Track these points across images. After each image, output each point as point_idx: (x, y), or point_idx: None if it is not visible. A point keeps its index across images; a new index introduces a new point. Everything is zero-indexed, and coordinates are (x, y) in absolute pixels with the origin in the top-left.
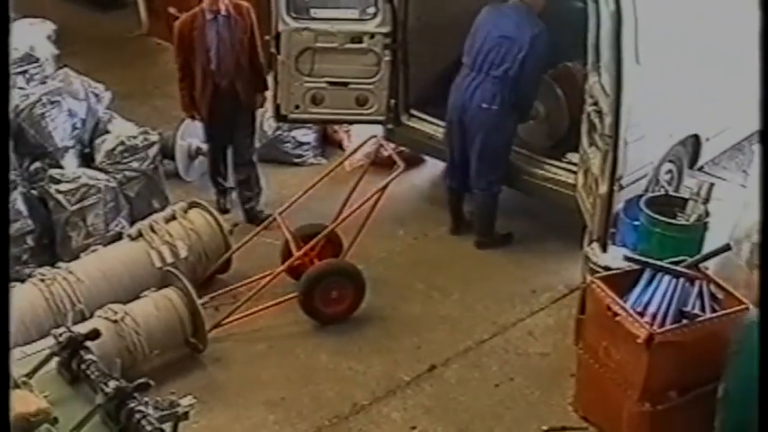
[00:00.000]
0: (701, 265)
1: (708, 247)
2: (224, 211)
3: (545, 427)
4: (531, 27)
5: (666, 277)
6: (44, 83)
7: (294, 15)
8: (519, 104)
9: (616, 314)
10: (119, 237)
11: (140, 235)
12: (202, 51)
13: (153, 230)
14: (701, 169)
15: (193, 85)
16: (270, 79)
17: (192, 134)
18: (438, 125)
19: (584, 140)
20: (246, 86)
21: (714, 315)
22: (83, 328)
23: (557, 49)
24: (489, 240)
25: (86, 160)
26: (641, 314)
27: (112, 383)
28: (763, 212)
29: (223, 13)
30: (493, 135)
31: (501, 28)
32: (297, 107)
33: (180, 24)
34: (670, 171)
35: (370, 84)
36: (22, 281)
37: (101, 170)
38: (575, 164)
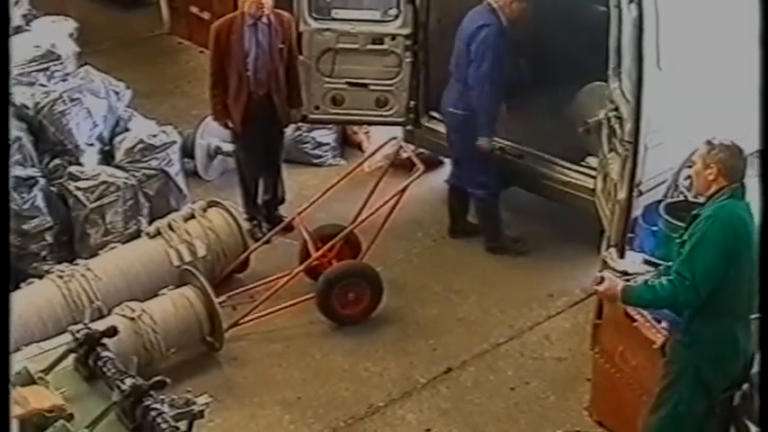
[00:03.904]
0: None
1: None
2: (257, 239)
3: None
4: (475, 22)
5: None
6: (65, 80)
7: (316, 16)
8: (477, 110)
9: (633, 320)
10: (137, 235)
11: (159, 233)
12: (239, 57)
13: (171, 229)
14: None
15: (227, 91)
16: None
17: (211, 133)
18: None
19: (605, 146)
20: (284, 101)
21: None
22: (100, 326)
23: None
24: (498, 245)
25: (106, 158)
26: (658, 320)
27: (129, 381)
28: (764, 214)
29: (264, 20)
30: (464, 138)
31: (461, 30)
32: (317, 108)
33: (217, 27)
34: (689, 177)
35: (390, 85)
36: (41, 277)
37: (120, 168)
38: (593, 168)
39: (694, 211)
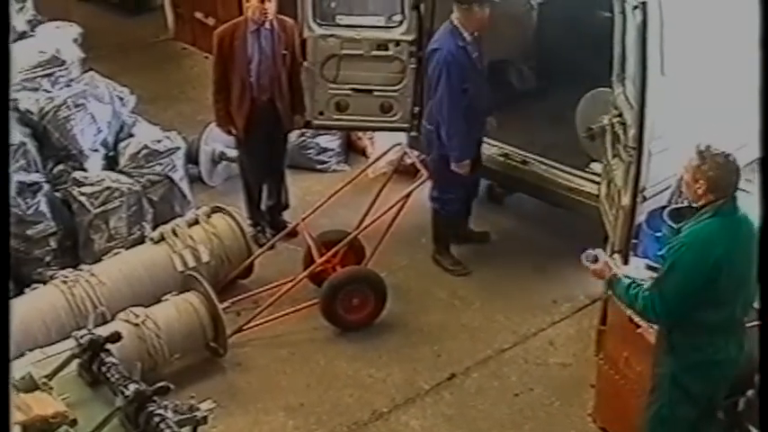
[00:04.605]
0: None
1: None
2: (261, 244)
3: None
4: (432, 44)
5: None
6: (69, 86)
7: (320, 22)
8: (443, 136)
9: (638, 325)
10: (141, 240)
11: (163, 239)
12: (243, 63)
13: (175, 234)
14: None
15: (230, 98)
16: None
17: (216, 139)
18: None
19: (608, 152)
20: (287, 107)
21: None
22: (104, 331)
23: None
24: (439, 258)
25: (110, 164)
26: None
27: (132, 386)
28: (764, 222)
29: (267, 26)
30: (431, 153)
31: None
32: (321, 113)
33: (220, 33)
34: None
35: (394, 91)
36: (45, 282)
37: (124, 174)
38: (597, 174)
39: (680, 224)
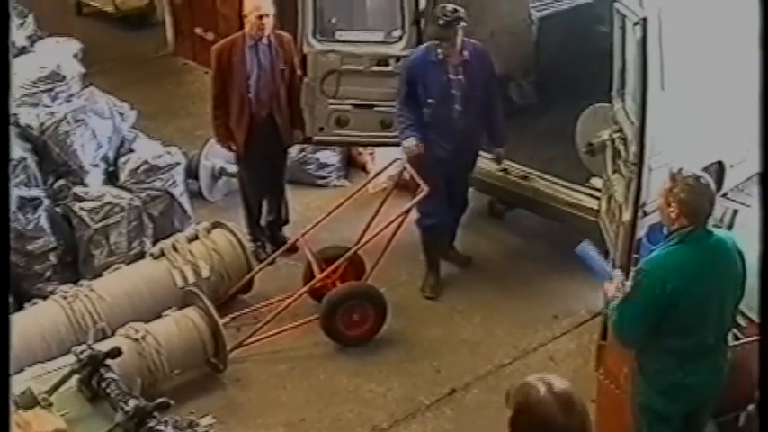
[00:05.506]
0: None
1: None
2: (261, 260)
3: None
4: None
5: None
6: (70, 101)
7: (320, 38)
8: None
9: None
10: (141, 256)
11: (163, 254)
12: (241, 78)
13: (175, 250)
14: (724, 196)
15: (229, 113)
16: None
17: (216, 154)
18: None
19: (609, 167)
20: (286, 122)
21: (736, 343)
22: (104, 346)
23: None
24: (430, 273)
25: (110, 179)
26: None
27: (132, 402)
28: (764, 230)
29: (264, 41)
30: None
31: None
32: (321, 129)
33: (218, 49)
34: None
35: (394, 107)
36: (45, 298)
37: (124, 189)
38: (598, 189)
39: (653, 247)
